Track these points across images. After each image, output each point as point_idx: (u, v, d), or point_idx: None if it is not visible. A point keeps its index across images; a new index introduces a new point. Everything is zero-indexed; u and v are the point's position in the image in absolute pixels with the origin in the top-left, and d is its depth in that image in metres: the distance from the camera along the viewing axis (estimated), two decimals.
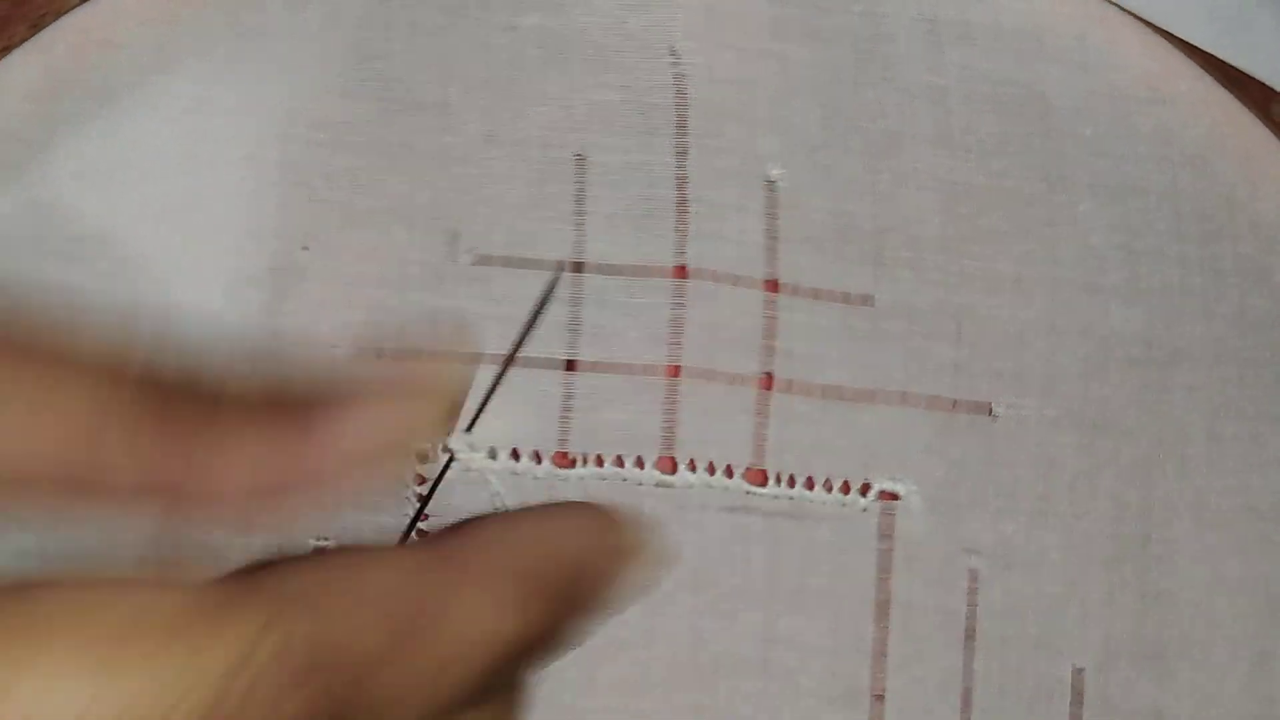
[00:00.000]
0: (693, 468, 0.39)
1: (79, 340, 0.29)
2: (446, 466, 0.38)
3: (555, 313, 0.39)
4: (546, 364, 0.39)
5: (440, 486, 0.38)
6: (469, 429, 0.39)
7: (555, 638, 0.30)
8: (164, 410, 0.29)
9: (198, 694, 0.26)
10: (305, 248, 0.39)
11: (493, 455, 0.39)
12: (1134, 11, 0.41)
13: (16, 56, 0.39)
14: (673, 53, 0.40)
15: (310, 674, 0.27)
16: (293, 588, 0.28)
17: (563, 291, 0.39)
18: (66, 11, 0.39)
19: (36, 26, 0.39)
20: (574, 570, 0.30)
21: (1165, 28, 0.41)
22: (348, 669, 0.27)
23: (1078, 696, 0.41)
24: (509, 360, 0.34)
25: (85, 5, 0.39)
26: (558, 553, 0.30)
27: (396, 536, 0.34)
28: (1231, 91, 0.42)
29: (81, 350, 0.29)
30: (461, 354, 0.32)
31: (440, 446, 0.38)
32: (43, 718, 0.25)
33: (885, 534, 0.40)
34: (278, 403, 0.31)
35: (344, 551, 0.29)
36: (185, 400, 0.29)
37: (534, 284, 0.39)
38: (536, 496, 0.39)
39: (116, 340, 0.30)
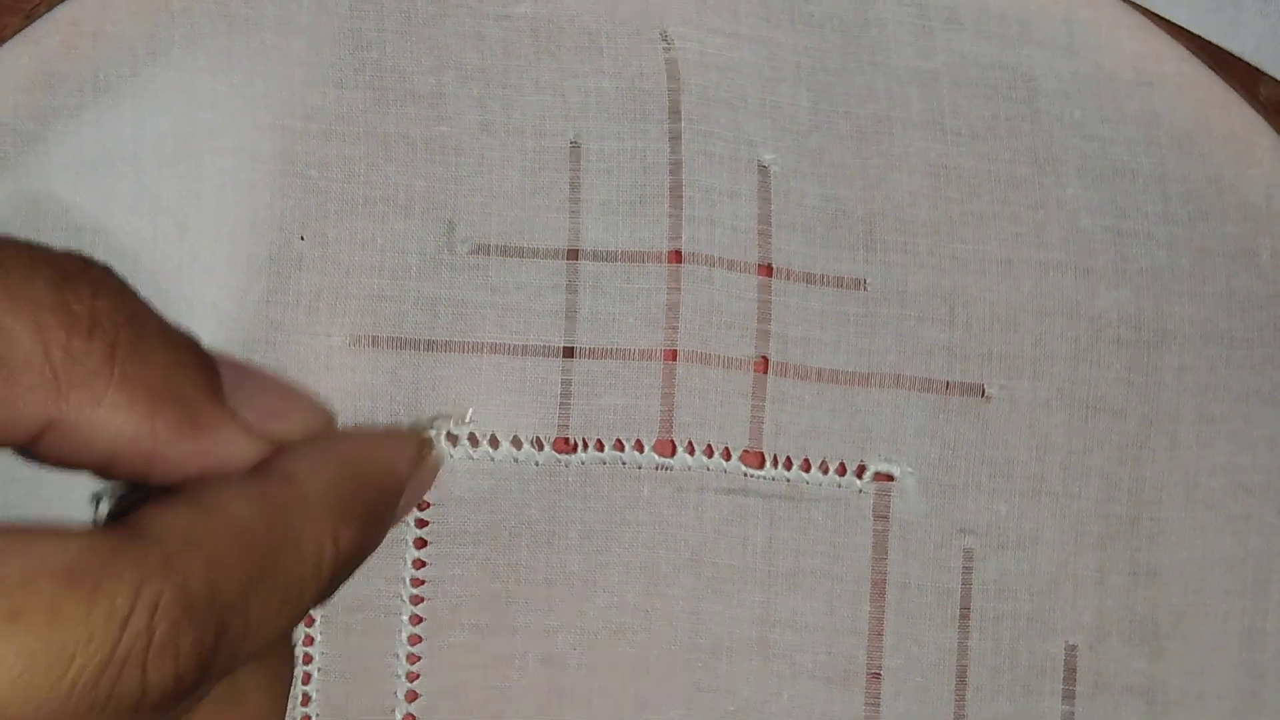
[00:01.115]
0: (691, 450, 0.40)
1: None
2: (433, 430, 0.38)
3: (552, 300, 0.40)
4: (545, 351, 0.39)
5: (440, 474, 0.39)
6: (468, 419, 0.39)
7: (368, 549, 0.34)
8: (56, 344, 0.30)
9: (96, 640, 0.27)
10: (301, 237, 0.39)
11: (494, 443, 0.39)
12: None
13: (9, 48, 0.39)
14: (664, 38, 0.41)
15: (193, 616, 0.28)
16: (171, 534, 0.29)
17: (560, 279, 0.40)
18: (59, 4, 0.39)
19: (29, 18, 0.39)
20: (383, 485, 0.34)
21: (1152, 8, 0.42)
22: (224, 605, 0.29)
23: (1070, 673, 0.41)
24: None
25: None
26: (370, 470, 0.34)
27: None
28: (1218, 73, 0.42)
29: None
30: None
31: (443, 433, 0.39)
32: None
33: (881, 515, 0.41)
34: (185, 354, 0.32)
35: (206, 489, 0.31)
36: (88, 334, 0.31)
37: (531, 273, 0.39)
38: (536, 483, 0.39)
39: (27, 259, 0.31)
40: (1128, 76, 0.42)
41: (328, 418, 0.36)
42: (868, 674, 0.41)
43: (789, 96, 0.41)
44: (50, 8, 0.39)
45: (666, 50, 0.41)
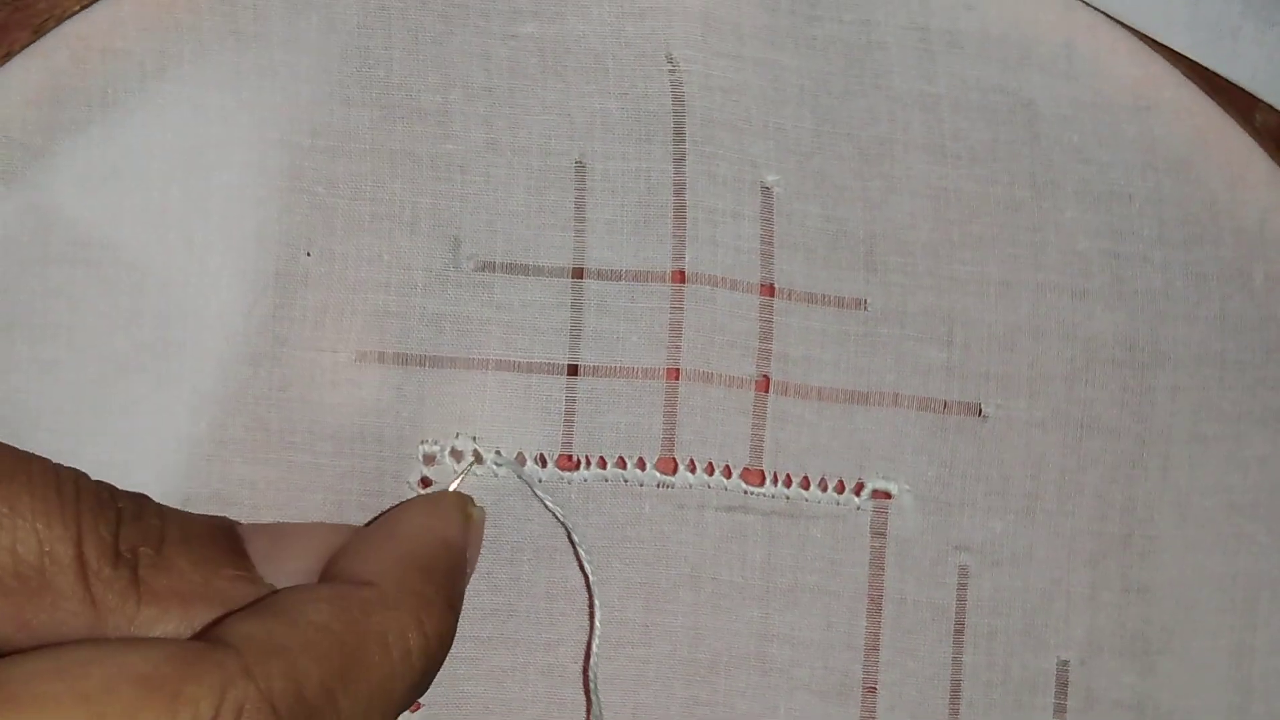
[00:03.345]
0: (692, 468, 0.40)
1: (29, 471, 0.31)
2: (465, 471, 0.38)
3: (557, 319, 0.40)
4: (549, 369, 0.40)
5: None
6: (475, 437, 0.39)
7: (453, 627, 0.34)
8: (91, 572, 0.31)
9: None
10: (308, 253, 0.39)
11: (498, 461, 0.40)
12: (1119, 19, 0.42)
13: (18, 62, 0.39)
14: (669, 60, 0.41)
15: (280, 717, 0.29)
16: (251, 640, 0.30)
17: (564, 297, 0.40)
18: (68, 18, 0.39)
19: (38, 33, 0.39)
20: (449, 560, 0.34)
21: (1150, 35, 0.42)
22: (311, 706, 0.30)
23: (1062, 688, 0.42)
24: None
25: (86, 12, 0.39)
26: (431, 551, 0.34)
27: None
28: (1215, 99, 0.43)
29: (33, 481, 0.31)
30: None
31: (468, 453, 0.39)
32: None
33: (878, 532, 0.41)
34: (214, 531, 0.33)
35: (283, 595, 0.31)
36: (114, 562, 0.32)
37: (536, 291, 0.40)
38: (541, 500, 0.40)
39: (49, 482, 0.31)
40: (1125, 102, 0.43)
41: (344, 533, 0.36)
42: (864, 688, 0.41)
43: (792, 119, 0.41)
44: (59, 23, 0.39)
45: (671, 72, 0.41)
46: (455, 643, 0.39)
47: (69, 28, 0.39)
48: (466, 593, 0.39)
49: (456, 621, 0.34)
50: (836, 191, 0.41)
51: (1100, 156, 0.43)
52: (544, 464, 0.40)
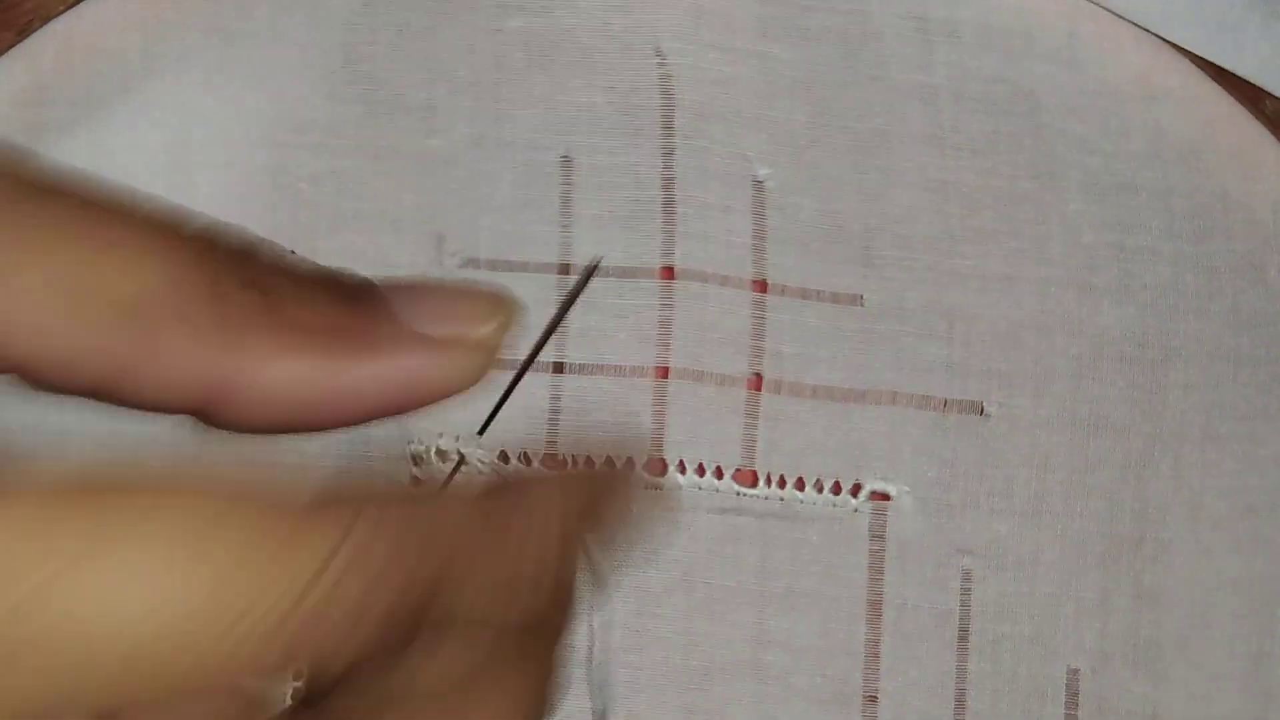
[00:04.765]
0: (682, 469, 0.39)
1: (127, 211, 0.28)
2: (456, 468, 0.38)
3: (542, 316, 0.39)
4: (534, 366, 0.39)
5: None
6: (480, 432, 0.39)
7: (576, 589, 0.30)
8: (218, 294, 0.28)
9: (270, 602, 0.26)
10: (293, 250, 0.39)
11: (482, 459, 0.39)
12: (1122, 14, 0.41)
13: (2, 64, 0.39)
14: (658, 53, 0.40)
15: (398, 566, 0.26)
16: (383, 507, 0.27)
17: (550, 294, 0.39)
18: (52, 18, 0.39)
19: (22, 33, 0.39)
20: (613, 525, 0.31)
21: (1153, 31, 0.41)
22: (430, 567, 0.27)
23: (1072, 697, 0.41)
24: (527, 364, 0.34)
25: (70, 12, 0.39)
26: (604, 505, 0.31)
27: None
28: (1223, 86, 0.41)
29: (130, 222, 0.28)
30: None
31: (453, 450, 0.38)
32: (112, 607, 0.24)
33: (877, 534, 0.40)
34: (341, 285, 0.31)
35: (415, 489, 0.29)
36: (242, 285, 0.28)
37: (521, 287, 0.39)
38: None
39: (169, 214, 0.28)
40: (1131, 90, 0.42)
41: (514, 306, 0.33)
42: (864, 696, 0.40)
43: (785, 111, 0.41)
44: (44, 22, 0.39)
45: (660, 65, 0.40)
46: None
47: (54, 28, 0.39)
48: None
49: (574, 588, 0.31)
50: (832, 185, 0.40)
51: (1105, 147, 0.41)
52: (528, 462, 0.39)
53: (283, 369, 0.29)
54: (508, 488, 0.30)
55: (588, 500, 0.31)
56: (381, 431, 0.38)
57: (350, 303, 0.30)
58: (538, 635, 0.31)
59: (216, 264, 0.29)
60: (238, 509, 0.26)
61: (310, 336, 0.29)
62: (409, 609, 0.27)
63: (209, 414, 0.29)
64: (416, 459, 0.39)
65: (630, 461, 0.36)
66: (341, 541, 0.26)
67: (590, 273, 0.39)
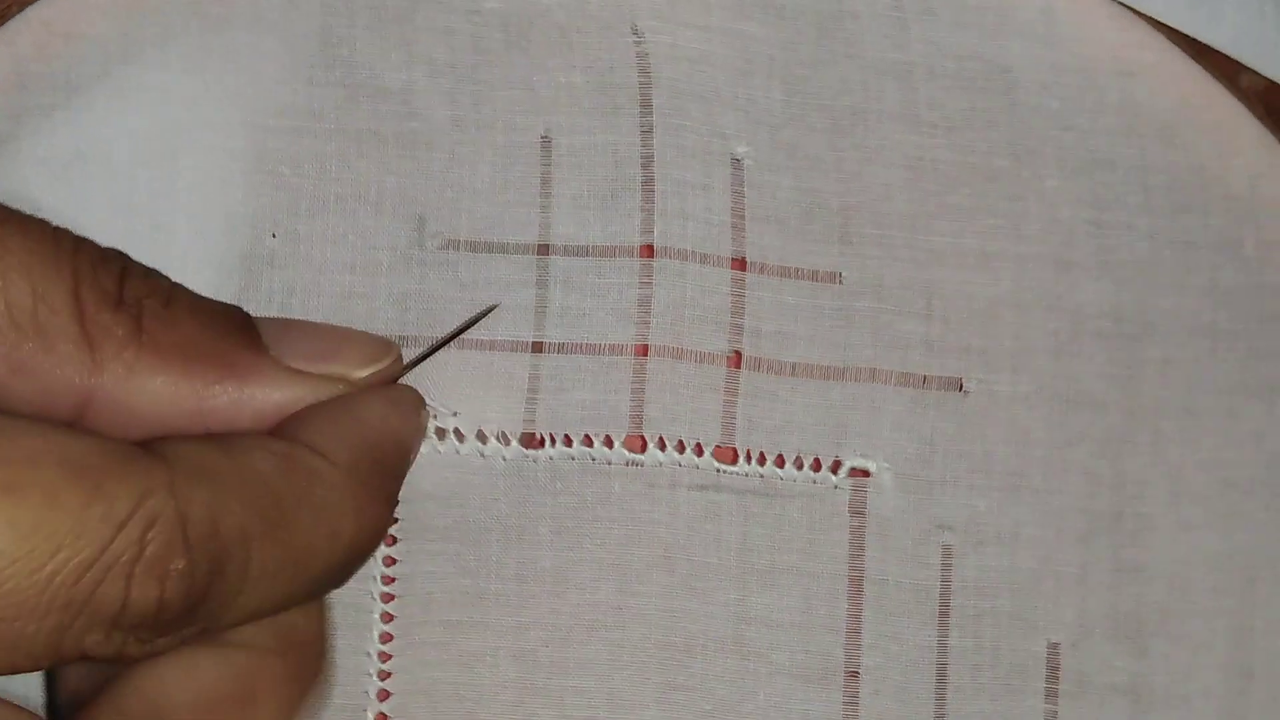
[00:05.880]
0: (662, 446, 0.39)
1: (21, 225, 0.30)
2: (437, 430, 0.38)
3: (522, 296, 0.39)
4: (513, 346, 0.39)
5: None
6: (455, 413, 0.39)
7: (384, 529, 0.33)
8: (81, 314, 0.30)
9: (86, 537, 0.27)
10: (274, 234, 0.39)
11: (459, 437, 0.39)
12: None
13: None
14: (635, 32, 0.40)
15: (188, 542, 0.28)
16: (184, 460, 0.29)
17: (529, 274, 0.39)
18: (31, 4, 0.39)
19: (1, 19, 0.39)
20: (399, 458, 0.33)
21: (1129, 4, 0.41)
22: (223, 544, 0.29)
23: (1053, 672, 0.41)
24: (411, 365, 0.36)
25: None
26: (388, 443, 0.33)
27: None
28: (1200, 62, 0.41)
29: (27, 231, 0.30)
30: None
31: (450, 431, 0.38)
32: None
33: (857, 511, 0.40)
34: (212, 313, 0.32)
35: (234, 435, 0.31)
36: (109, 306, 0.30)
37: (501, 268, 0.39)
38: (505, 478, 0.39)
39: (42, 234, 0.30)
40: (1107, 66, 0.42)
41: (386, 349, 0.35)
42: (845, 672, 0.40)
43: (762, 89, 0.41)
44: (22, 8, 0.39)
45: (638, 44, 0.40)
46: (422, 628, 0.39)
47: (32, 13, 0.39)
48: (433, 575, 0.39)
49: (390, 524, 0.33)
50: (809, 163, 0.41)
51: (1081, 123, 0.42)
52: (506, 442, 0.39)
53: (142, 388, 0.31)
54: (300, 459, 0.31)
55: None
56: None
57: (218, 330, 0.32)
58: (301, 651, 0.32)
59: (82, 284, 0.30)
60: (57, 447, 0.27)
61: (170, 359, 0.31)
62: (206, 567, 0.28)
63: (85, 424, 0.31)
64: None
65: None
66: (143, 496, 0.27)
67: (485, 313, 0.39)
